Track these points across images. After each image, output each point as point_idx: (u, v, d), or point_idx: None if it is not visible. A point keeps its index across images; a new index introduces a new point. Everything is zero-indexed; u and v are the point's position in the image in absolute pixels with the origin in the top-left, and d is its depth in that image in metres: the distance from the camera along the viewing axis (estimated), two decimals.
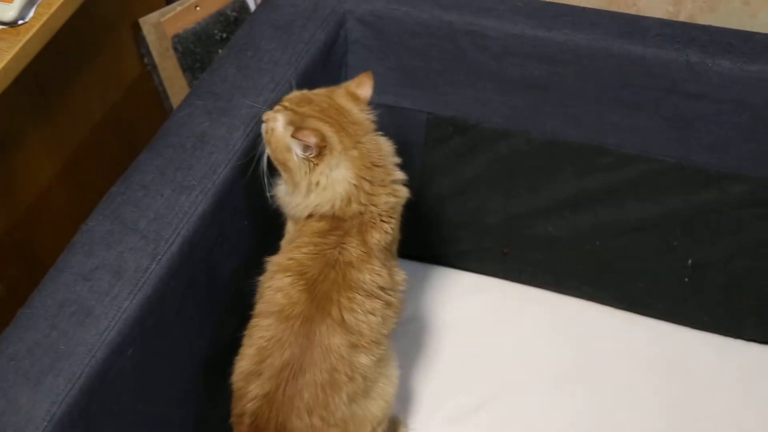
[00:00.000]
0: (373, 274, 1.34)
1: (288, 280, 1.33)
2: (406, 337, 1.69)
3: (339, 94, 1.40)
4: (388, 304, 1.36)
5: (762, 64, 1.44)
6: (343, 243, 1.34)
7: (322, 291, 1.31)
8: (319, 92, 1.41)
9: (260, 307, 1.35)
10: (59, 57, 1.53)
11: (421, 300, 1.76)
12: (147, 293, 1.22)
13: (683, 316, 1.71)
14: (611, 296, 1.74)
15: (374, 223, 1.36)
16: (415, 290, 1.76)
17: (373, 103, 1.56)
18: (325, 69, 1.60)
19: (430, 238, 1.79)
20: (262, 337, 1.32)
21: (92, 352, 1.14)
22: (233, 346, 1.36)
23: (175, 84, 1.85)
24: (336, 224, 1.35)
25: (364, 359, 1.33)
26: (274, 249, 1.42)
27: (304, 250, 1.35)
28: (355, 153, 1.34)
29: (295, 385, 1.30)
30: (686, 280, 1.65)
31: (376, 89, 1.65)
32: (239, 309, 1.39)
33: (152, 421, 1.30)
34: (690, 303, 1.69)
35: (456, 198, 1.73)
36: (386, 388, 1.40)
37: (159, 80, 1.82)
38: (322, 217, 1.36)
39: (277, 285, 1.34)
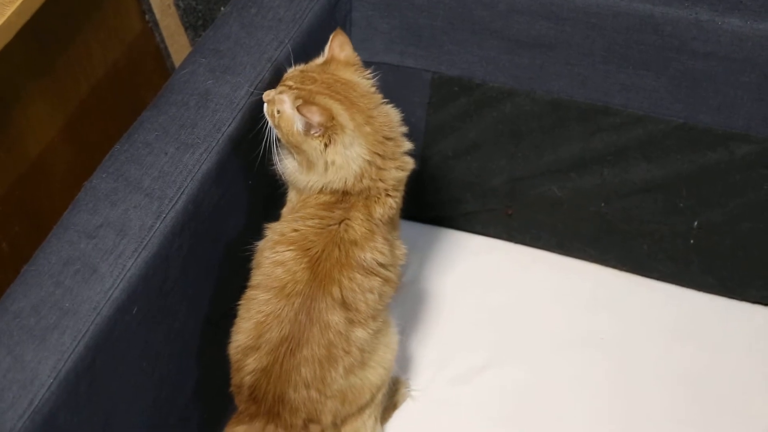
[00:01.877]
0: (375, 252, 1.33)
1: (290, 254, 1.32)
2: (410, 299, 1.69)
3: (336, 67, 1.37)
4: (386, 281, 1.36)
5: None
6: (348, 218, 1.33)
7: (325, 269, 1.30)
8: (315, 68, 1.37)
9: (258, 278, 1.34)
10: (60, 13, 1.51)
11: (426, 262, 1.76)
12: (152, 251, 1.22)
13: (688, 278, 1.70)
14: (616, 258, 1.74)
15: (379, 197, 1.34)
16: (420, 252, 1.76)
17: (377, 63, 1.55)
18: (329, 26, 1.58)
19: (434, 199, 1.78)
20: (261, 312, 1.32)
21: (97, 310, 1.14)
22: (237, 305, 1.36)
23: (176, 42, 1.83)
24: (342, 198, 1.34)
25: (361, 333, 1.33)
26: (279, 209, 1.41)
27: (309, 223, 1.34)
28: (368, 129, 1.32)
29: (292, 360, 1.30)
30: (692, 241, 1.65)
31: (381, 48, 1.65)
32: (244, 268, 1.38)
33: (156, 378, 1.30)
34: (695, 265, 1.68)
35: (460, 159, 1.72)
36: (385, 356, 1.40)
37: (161, 38, 1.80)
38: (330, 190, 1.34)
39: (278, 258, 1.33)
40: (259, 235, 1.38)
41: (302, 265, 1.31)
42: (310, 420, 1.34)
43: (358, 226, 1.33)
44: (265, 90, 1.37)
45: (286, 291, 1.30)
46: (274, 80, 1.42)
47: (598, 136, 1.61)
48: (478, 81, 1.62)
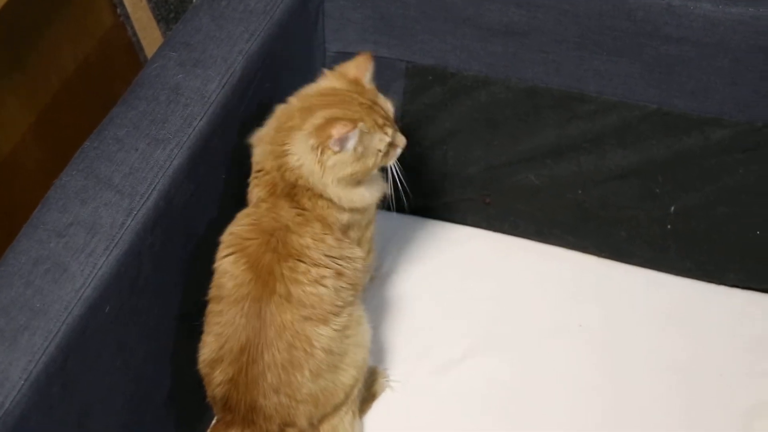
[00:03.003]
0: (315, 240, 1.31)
1: (231, 259, 1.31)
2: (389, 290, 1.68)
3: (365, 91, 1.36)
4: (339, 274, 1.33)
5: (743, 6, 1.42)
6: (276, 208, 1.32)
7: (265, 265, 1.29)
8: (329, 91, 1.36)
9: (212, 291, 1.34)
10: (29, 7, 1.49)
11: (404, 252, 1.75)
12: (123, 249, 1.21)
13: (666, 263, 1.70)
14: (594, 245, 1.74)
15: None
16: (398, 242, 1.75)
17: (351, 53, 1.54)
18: (302, 18, 1.58)
19: (410, 190, 1.77)
20: (218, 323, 1.31)
21: (68, 309, 1.12)
22: None
23: (149, 35, 1.81)
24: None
25: (322, 332, 1.31)
26: None
27: (243, 221, 1.34)
28: None
29: (256, 368, 1.29)
30: (669, 227, 1.65)
31: (354, 38, 1.64)
32: None
33: (131, 377, 1.29)
34: (673, 250, 1.68)
35: (436, 148, 1.71)
36: (356, 357, 1.39)
37: (132, 31, 1.78)
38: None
39: (222, 267, 1.32)
40: None
41: (242, 267, 1.30)
42: (285, 424, 1.33)
43: (286, 213, 1.32)
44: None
45: (232, 297, 1.29)
46: (246, 73, 1.41)
47: (574, 123, 1.60)
48: (453, 70, 1.61)
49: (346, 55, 1.65)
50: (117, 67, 1.77)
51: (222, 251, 1.33)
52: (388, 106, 1.38)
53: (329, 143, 1.27)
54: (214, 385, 1.33)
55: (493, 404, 1.54)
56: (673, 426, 1.50)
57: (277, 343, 1.28)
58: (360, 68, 1.37)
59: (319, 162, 1.29)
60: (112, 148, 1.30)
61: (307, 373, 1.30)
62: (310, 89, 1.38)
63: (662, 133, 1.56)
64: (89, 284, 1.15)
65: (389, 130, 1.35)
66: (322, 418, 1.37)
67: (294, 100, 1.38)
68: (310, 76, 1.45)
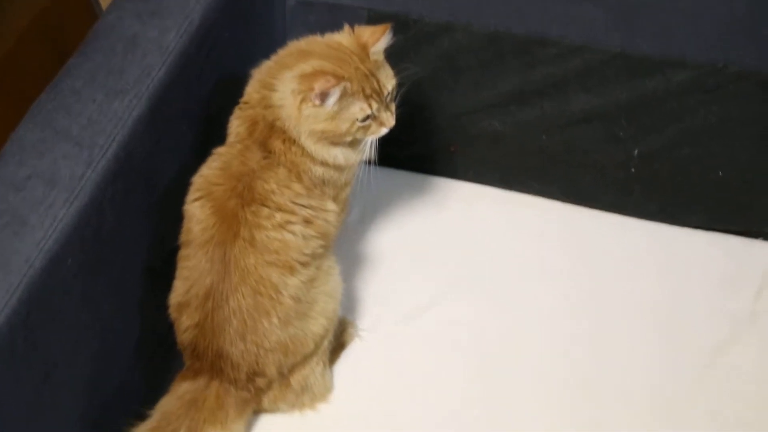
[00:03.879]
0: (281, 185, 1.30)
1: (198, 203, 1.31)
2: (356, 239, 1.68)
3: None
4: (306, 222, 1.32)
5: None
6: (247, 151, 1.32)
7: (229, 210, 1.28)
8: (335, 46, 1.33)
9: (181, 235, 1.33)
10: None
11: (371, 202, 1.75)
12: (83, 201, 1.19)
13: (630, 206, 1.71)
14: (559, 190, 1.74)
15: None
16: (365, 192, 1.74)
17: (312, 2, 1.52)
18: None
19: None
20: (185, 267, 1.31)
21: (29, 262, 1.11)
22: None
23: None
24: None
25: (289, 280, 1.30)
26: None
27: (213, 165, 1.33)
28: None
29: (221, 313, 1.29)
30: (632, 170, 1.66)
31: None
32: (181, 217, 1.36)
33: (97, 330, 1.28)
34: (637, 193, 1.69)
35: (399, 98, 1.70)
36: (327, 306, 1.38)
37: None
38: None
39: (190, 211, 1.32)
40: None
41: (208, 211, 1.29)
42: (254, 373, 1.33)
43: (254, 157, 1.31)
44: None
45: (198, 241, 1.29)
46: (204, 23, 1.39)
47: (537, 69, 1.60)
48: (415, 17, 1.60)
49: (306, 6, 1.64)
50: (72, 19, 1.73)
51: (191, 194, 1.33)
52: (387, 82, 1.35)
53: (310, 94, 1.26)
54: (182, 331, 1.33)
55: (462, 350, 1.54)
56: (639, 363, 1.52)
57: (241, 289, 1.28)
58: (373, 36, 1.33)
59: (297, 108, 1.28)
60: (70, 99, 1.27)
61: (275, 320, 1.30)
62: (321, 38, 1.36)
63: (625, 76, 1.56)
64: (50, 237, 1.14)
65: (374, 104, 1.32)
66: (293, 368, 1.37)
67: (302, 42, 1.36)
68: (270, 25, 1.43)
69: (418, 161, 1.79)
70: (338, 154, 1.35)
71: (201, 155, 1.39)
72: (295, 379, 1.40)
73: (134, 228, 1.34)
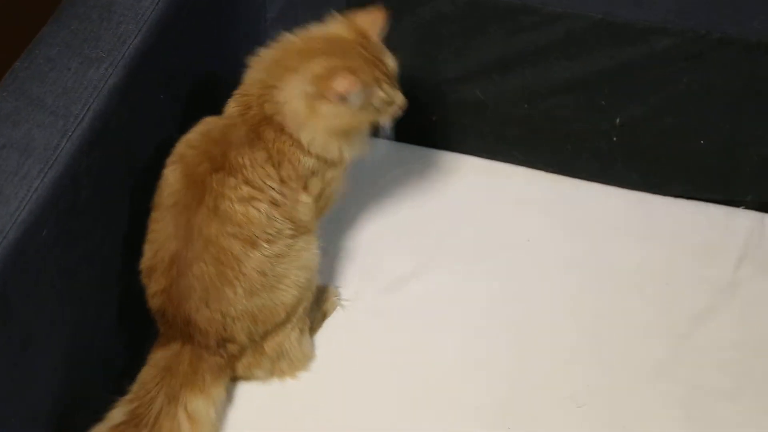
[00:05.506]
0: (254, 164, 1.29)
1: (171, 167, 1.30)
2: (336, 210, 1.67)
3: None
4: (273, 203, 1.30)
5: None
6: (233, 126, 1.32)
7: (198, 175, 1.27)
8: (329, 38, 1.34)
9: (154, 198, 1.32)
10: None
11: (352, 172, 1.73)
12: (59, 171, 1.17)
13: (613, 176, 1.71)
14: (541, 160, 1.73)
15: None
16: None
17: None
18: None
19: None
20: (153, 231, 1.31)
21: (3, 233, 1.09)
22: None
23: None
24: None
25: (252, 254, 1.29)
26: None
27: (196, 129, 1.33)
28: None
29: (185, 280, 1.28)
30: (614, 139, 1.65)
31: None
32: None
33: (74, 301, 1.27)
34: (619, 162, 1.69)
35: None
36: (299, 278, 1.36)
37: None
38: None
39: (164, 174, 1.31)
40: None
41: (178, 175, 1.29)
42: (224, 339, 1.32)
43: (238, 132, 1.31)
44: None
45: (165, 205, 1.29)
46: None
47: (519, 37, 1.59)
48: None
49: None
50: None
51: (170, 157, 1.32)
52: (392, 63, 1.36)
53: (329, 93, 1.26)
54: (151, 296, 1.32)
55: (445, 319, 1.54)
56: (619, 332, 1.52)
57: (204, 256, 1.27)
58: (371, 22, 1.35)
59: (310, 108, 1.28)
60: (44, 68, 1.26)
61: (239, 290, 1.29)
62: (315, 31, 1.36)
63: (607, 43, 1.55)
64: (24, 207, 1.12)
65: (387, 88, 1.34)
66: (265, 335, 1.36)
67: (297, 39, 1.35)
68: None
69: (399, 131, 1.77)
70: (342, 147, 1.36)
71: (181, 125, 1.37)
72: (269, 346, 1.39)
73: (112, 198, 1.32)
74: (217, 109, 1.37)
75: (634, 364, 1.48)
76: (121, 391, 1.32)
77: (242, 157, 1.28)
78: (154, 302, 1.32)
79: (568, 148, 1.69)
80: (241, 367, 1.38)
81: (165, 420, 1.29)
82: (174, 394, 1.31)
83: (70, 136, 1.20)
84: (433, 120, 1.74)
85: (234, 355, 1.35)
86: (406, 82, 1.68)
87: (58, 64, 1.26)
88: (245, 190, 1.28)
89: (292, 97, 1.29)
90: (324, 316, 1.53)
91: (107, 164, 1.28)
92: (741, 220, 1.66)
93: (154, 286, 1.31)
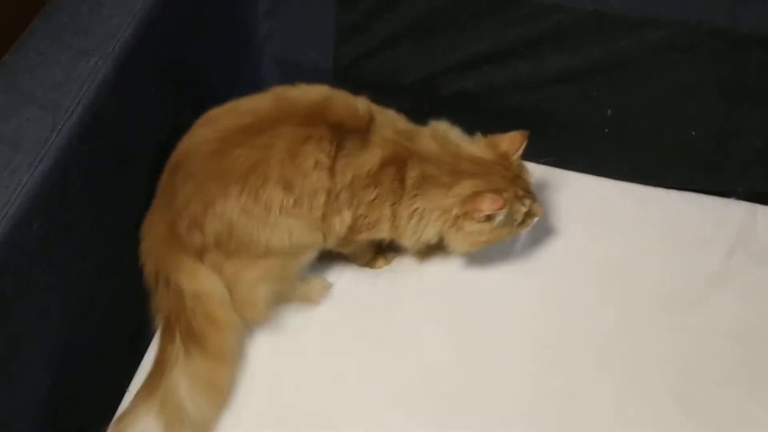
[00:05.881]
0: (316, 167, 1.35)
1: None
2: None
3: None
4: (329, 191, 1.37)
5: None
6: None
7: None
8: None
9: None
10: None
11: None
12: (49, 165, 1.18)
13: (604, 167, 1.71)
14: (533, 152, 1.71)
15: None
16: None
17: None
18: None
19: None
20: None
21: None
22: None
23: None
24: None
25: (276, 190, 1.33)
26: (190, 118, 1.36)
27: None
28: None
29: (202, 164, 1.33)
30: (606, 130, 1.65)
31: None
32: (153, 179, 1.34)
33: (67, 296, 1.27)
34: (611, 154, 1.69)
35: (373, 58, 1.68)
36: (293, 238, 1.39)
37: None
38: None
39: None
40: (168, 145, 1.33)
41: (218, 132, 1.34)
42: (194, 222, 1.32)
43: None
44: None
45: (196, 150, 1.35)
46: None
47: (511, 29, 1.59)
48: None
49: None
50: None
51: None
52: (528, 177, 1.49)
53: (476, 215, 1.39)
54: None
55: (436, 313, 1.55)
56: (612, 323, 1.52)
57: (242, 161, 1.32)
58: (513, 144, 1.46)
59: (456, 227, 1.42)
60: (34, 61, 1.26)
61: (237, 200, 1.31)
62: (462, 151, 1.45)
63: (599, 35, 1.55)
64: (14, 201, 1.13)
65: (528, 201, 1.46)
66: (232, 252, 1.36)
67: (448, 157, 1.44)
68: None
69: None
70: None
71: (172, 118, 1.37)
72: (231, 265, 1.38)
73: (102, 192, 1.32)
74: (207, 102, 1.37)
75: (626, 355, 1.48)
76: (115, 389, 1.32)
77: (305, 158, 1.34)
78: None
79: (561, 139, 1.69)
80: (208, 263, 1.38)
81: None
82: (165, 264, 1.35)
83: (60, 129, 1.20)
84: (425, 111, 1.73)
85: (197, 246, 1.35)
86: (398, 73, 1.69)
87: (48, 58, 1.26)
88: (324, 159, 1.34)
89: (432, 212, 1.42)
90: (304, 298, 1.54)
91: (97, 157, 1.28)
92: (733, 210, 1.66)
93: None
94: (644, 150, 1.67)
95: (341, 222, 1.41)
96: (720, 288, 1.56)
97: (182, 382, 1.32)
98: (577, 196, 1.69)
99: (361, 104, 1.43)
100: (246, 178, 1.31)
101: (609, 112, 1.63)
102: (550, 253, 1.62)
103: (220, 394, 1.39)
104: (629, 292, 1.57)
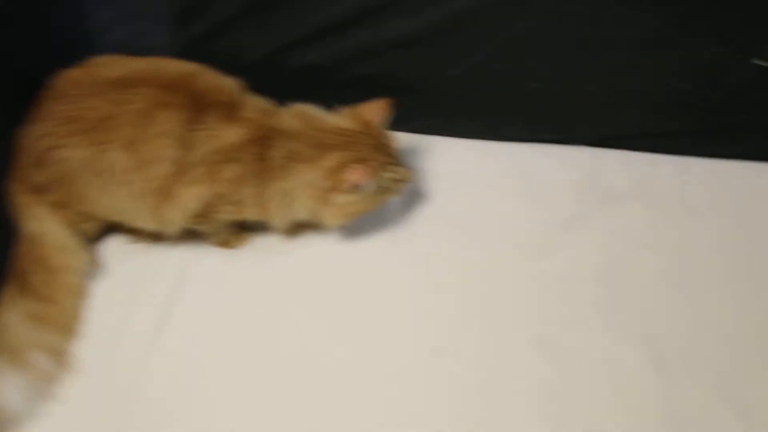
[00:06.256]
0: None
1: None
2: None
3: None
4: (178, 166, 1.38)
5: None
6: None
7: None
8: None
9: None
10: None
11: None
12: None
13: (454, 127, 1.75)
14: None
15: None
16: None
17: None
18: None
19: None
20: None
21: None
22: None
23: None
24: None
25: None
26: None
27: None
28: None
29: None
30: (453, 91, 1.68)
31: None
32: None
33: None
34: (458, 114, 1.73)
35: (214, 39, 1.66)
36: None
37: None
38: None
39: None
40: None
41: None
42: (37, 161, 1.36)
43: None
44: None
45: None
46: None
47: None
48: None
49: None
50: None
51: None
52: (393, 143, 1.51)
53: (344, 186, 1.41)
54: None
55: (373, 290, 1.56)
56: (472, 276, 1.56)
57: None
58: (375, 113, 1.49)
59: (325, 200, 1.44)
60: None
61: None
62: (325, 121, 1.48)
63: None
64: None
65: (395, 168, 1.48)
66: (71, 201, 1.39)
67: (316, 132, 1.46)
68: None
69: None
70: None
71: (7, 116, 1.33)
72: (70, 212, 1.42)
73: None
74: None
75: (493, 305, 1.52)
76: None
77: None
78: None
79: (408, 104, 1.69)
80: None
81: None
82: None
83: None
84: (275, 90, 1.72)
85: (37, 186, 1.39)
86: (241, 52, 1.67)
87: None
88: (176, 129, 1.37)
89: (300, 185, 1.44)
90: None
91: None
92: (578, 156, 1.73)
93: None
94: (490, 107, 1.71)
95: (194, 197, 1.40)
96: (575, 232, 1.62)
97: (12, 319, 1.34)
98: (432, 158, 1.73)
99: (230, 83, 1.45)
100: (92, 130, 1.32)
101: (453, 72, 1.66)
102: (418, 216, 1.65)
103: (59, 327, 1.41)
104: (494, 244, 1.61)
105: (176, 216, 1.43)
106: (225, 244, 1.58)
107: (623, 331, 1.49)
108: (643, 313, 1.51)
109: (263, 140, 1.42)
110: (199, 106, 1.38)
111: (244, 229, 1.60)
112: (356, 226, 1.60)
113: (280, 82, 1.70)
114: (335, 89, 1.70)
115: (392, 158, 1.49)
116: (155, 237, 1.54)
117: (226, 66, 1.68)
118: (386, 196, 1.51)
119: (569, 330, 1.49)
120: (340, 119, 1.49)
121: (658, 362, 1.45)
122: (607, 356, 1.46)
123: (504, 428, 1.38)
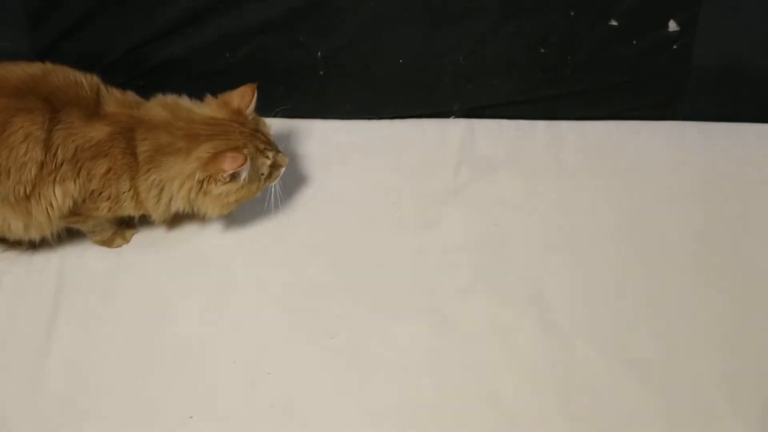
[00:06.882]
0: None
1: None
2: None
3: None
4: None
5: None
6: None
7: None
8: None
9: None
10: None
11: None
12: None
13: (326, 109, 1.75)
14: (260, 103, 1.72)
15: None
16: None
17: None
18: None
19: None
20: None
21: None
22: None
23: None
24: None
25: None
26: None
27: None
28: None
29: None
30: (321, 72, 1.69)
31: None
32: None
33: None
34: (329, 94, 1.73)
35: (71, 39, 1.62)
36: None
37: None
38: None
39: None
40: None
41: None
42: None
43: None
44: None
45: None
46: None
47: None
48: None
49: None
50: None
51: None
52: (267, 129, 1.49)
53: (220, 175, 1.38)
54: None
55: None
56: (359, 253, 1.57)
57: None
58: (243, 99, 1.46)
59: (202, 191, 1.41)
60: None
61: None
62: (194, 113, 1.44)
63: None
64: None
65: (270, 154, 1.46)
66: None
67: (181, 123, 1.43)
68: None
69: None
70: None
71: None
72: None
73: None
74: None
75: (382, 281, 1.53)
76: None
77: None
78: None
79: (280, 89, 1.69)
80: None
81: None
82: None
83: None
84: (141, 86, 1.69)
85: None
86: (103, 50, 1.63)
87: None
88: (36, 132, 1.33)
89: (174, 176, 1.40)
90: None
91: None
92: (452, 128, 1.74)
93: None
94: (360, 85, 1.71)
95: (63, 194, 1.37)
96: (451, 203, 1.63)
97: None
98: (312, 142, 1.72)
99: (87, 79, 1.42)
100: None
101: (319, 54, 1.65)
102: (299, 199, 1.64)
103: None
104: (377, 219, 1.62)
105: (45, 217, 1.39)
106: (108, 242, 1.55)
107: (509, 295, 1.50)
108: (527, 276, 1.53)
109: (130, 133, 1.39)
110: (55, 106, 1.34)
111: (128, 226, 1.57)
112: (238, 214, 1.58)
113: (145, 78, 1.68)
114: (201, 82, 1.67)
115: (267, 144, 1.47)
116: (32, 244, 1.51)
117: (88, 65, 1.64)
118: (264, 183, 1.49)
119: (456, 299, 1.50)
120: (209, 109, 1.46)
121: (546, 323, 1.47)
122: (495, 321, 1.47)
123: (399, 401, 1.39)
